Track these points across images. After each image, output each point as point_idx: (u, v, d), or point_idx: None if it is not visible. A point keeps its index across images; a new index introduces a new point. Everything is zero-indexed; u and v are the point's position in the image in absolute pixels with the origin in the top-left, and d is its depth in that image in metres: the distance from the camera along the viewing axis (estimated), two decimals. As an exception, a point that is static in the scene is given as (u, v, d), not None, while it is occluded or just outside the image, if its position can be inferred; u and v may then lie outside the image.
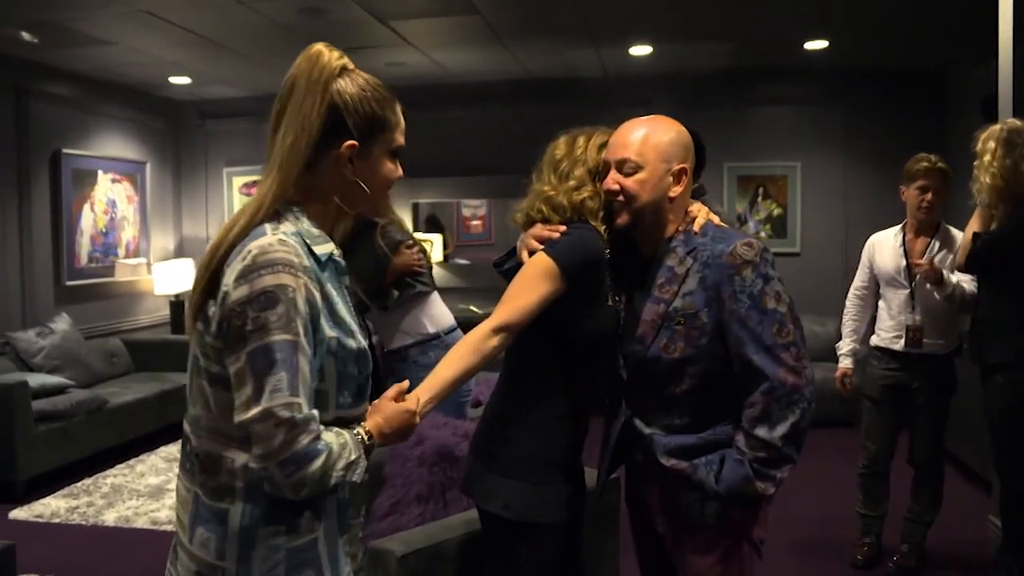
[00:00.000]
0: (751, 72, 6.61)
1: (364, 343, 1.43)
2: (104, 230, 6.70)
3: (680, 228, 1.88)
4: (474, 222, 9.13)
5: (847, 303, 3.80)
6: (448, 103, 7.19)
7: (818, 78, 6.60)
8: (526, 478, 1.91)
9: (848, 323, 3.77)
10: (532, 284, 1.84)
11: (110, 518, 4.45)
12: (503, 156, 7.30)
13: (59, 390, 5.22)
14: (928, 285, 3.44)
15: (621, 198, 1.85)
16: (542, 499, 1.92)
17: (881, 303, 3.68)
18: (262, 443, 1.27)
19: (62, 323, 5.83)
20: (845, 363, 3.72)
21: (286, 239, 1.32)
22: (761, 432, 1.75)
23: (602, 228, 1.92)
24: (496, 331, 1.79)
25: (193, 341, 1.38)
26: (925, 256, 3.50)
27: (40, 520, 4.47)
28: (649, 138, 1.84)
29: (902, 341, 3.53)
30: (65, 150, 6.23)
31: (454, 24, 5.23)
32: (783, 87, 6.76)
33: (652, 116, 1.90)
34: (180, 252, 7.78)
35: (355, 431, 1.42)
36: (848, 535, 3.89)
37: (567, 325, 1.89)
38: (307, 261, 1.33)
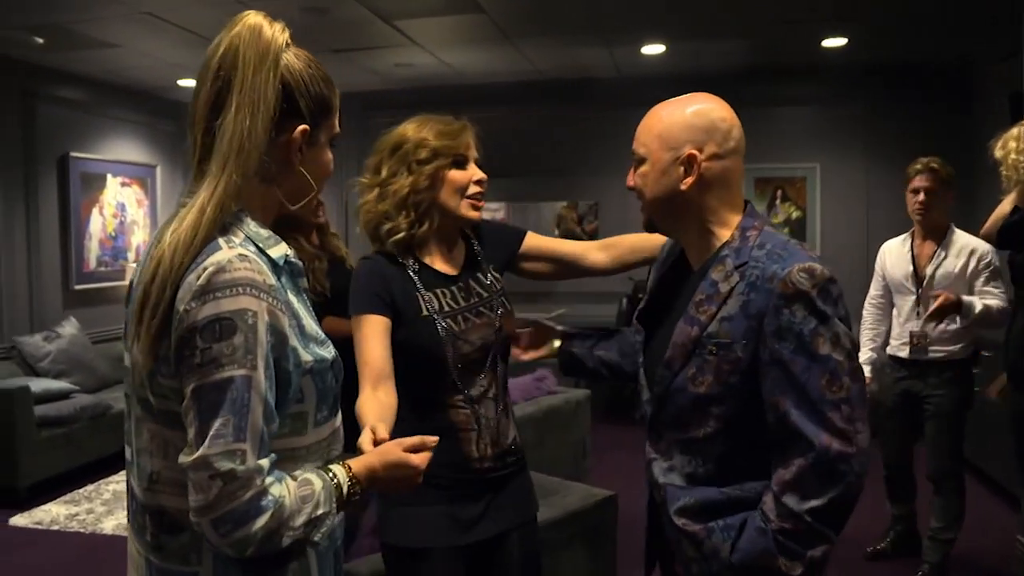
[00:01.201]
0: (767, 71, 6.44)
1: (334, 350, 1.29)
2: (113, 234, 6.67)
3: (735, 235, 1.52)
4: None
5: (864, 312, 3.75)
6: (460, 104, 7.01)
7: (837, 76, 6.42)
8: (386, 497, 1.82)
9: (866, 332, 3.71)
10: (357, 339, 1.80)
11: (108, 526, 4.39)
12: (518, 158, 7.23)
13: (63, 395, 5.18)
14: (946, 322, 3.32)
15: (638, 196, 1.63)
16: (408, 522, 1.80)
17: (894, 310, 3.62)
18: (195, 494, 1.10)
19: (70, 327, 5.80)
20: (864, 372, 3.57)
21: (246, 253, 1.14)
22: (789, 501, 1.39)
23: (394, 239, 1.85)
24: (372, 387, 1.71)
25: (136, 385, 1.19)
26: (932, 262, 3.42)
27: (39, 527, 4.42)
28: (654, 124, 1.55)
29: (908, 348, 3.47)
30: (73, 153, 6.20)
31: (460, 23, 5.13)
32: (801, 86, 6.59)
33: (684, 96, 1.56)
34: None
35: (332, 476, 1.22)
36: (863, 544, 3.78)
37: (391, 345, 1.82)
38: (271, 279, 1.16)
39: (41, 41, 5.25)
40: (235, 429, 1.09)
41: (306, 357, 1.20)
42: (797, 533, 1.39)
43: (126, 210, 6.81)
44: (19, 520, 4.51)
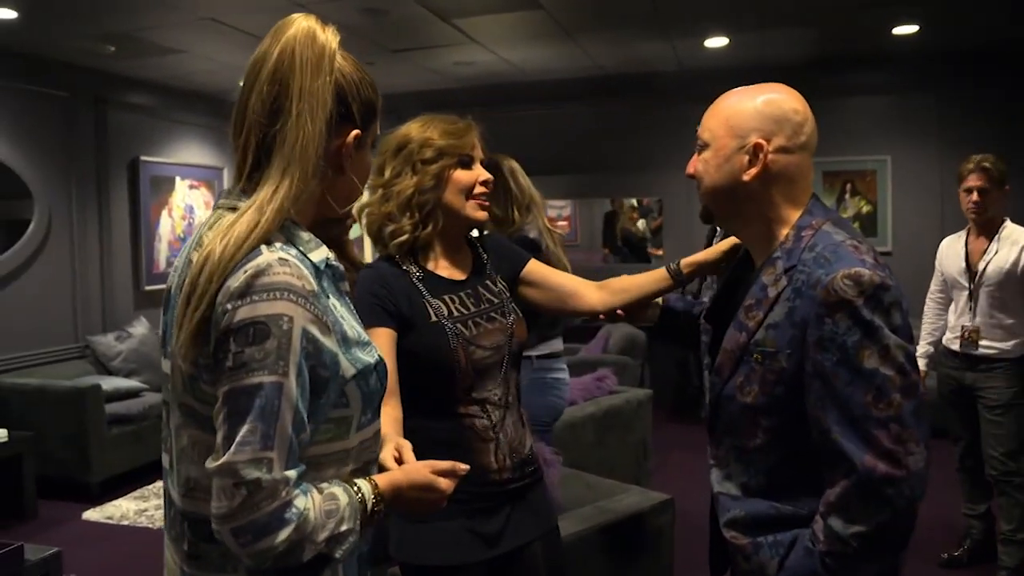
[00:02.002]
0: (835, 60, 6.25)
1: (377, 353, 1.26)
2: (182, 235, 6.82)
3: (789, 235, 1.42)
4: (560, 223, 8.98)
5: (925, 308, 3.81)
6: (523, 102, 7.09)
7: (909, 65, 6.18)
8: (409, 515, 1.73)
9: (925, 326, 3.80)
10: None
11: (176, 522, 4.47)
12: (582, 154, 7.17)
13: (133, 393, 5.32)
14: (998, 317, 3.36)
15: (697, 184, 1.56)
16: (428, 539, 1.74)
17: (951, 305, 3.65)
18: (218, 501, 1.07)
19: (140, 327, 5.96)
20: (919, 366, 3.57)
21: (287, 257, 1.11)
22: (835, 524, 1.30)
23: (397, 240, 1.80)
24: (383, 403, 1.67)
25: (178, 390, 1.17)
26: (984, 258, 3.41)
27: (110, 521, 4.54)
28: (723, 110, 1.47)
29: (959, 342, 3.49)
30: (143, 157, 6.37)
31: (518, 20, 5.09)
32: (871, 75, 6.37)
33: (758, 84, 1.48)
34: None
35: (357, 491, 1.19)
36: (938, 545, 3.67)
37: (400, 353, 1.75)
38: (312, 283, 1.13)
39: (113, 49, 5.39)
40: (263, 436, 1.06)
41: (347, 364, 1.17)
42: (844, 557, 1.31)
43: (194, 212, 6.96)
44: (91, 515, 4.64)
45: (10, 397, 4.93)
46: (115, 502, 4.81)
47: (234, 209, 1.16)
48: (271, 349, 1.07)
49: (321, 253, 1.21)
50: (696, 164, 1.51)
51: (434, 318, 1.75)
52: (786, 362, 1.36)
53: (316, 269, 1.18)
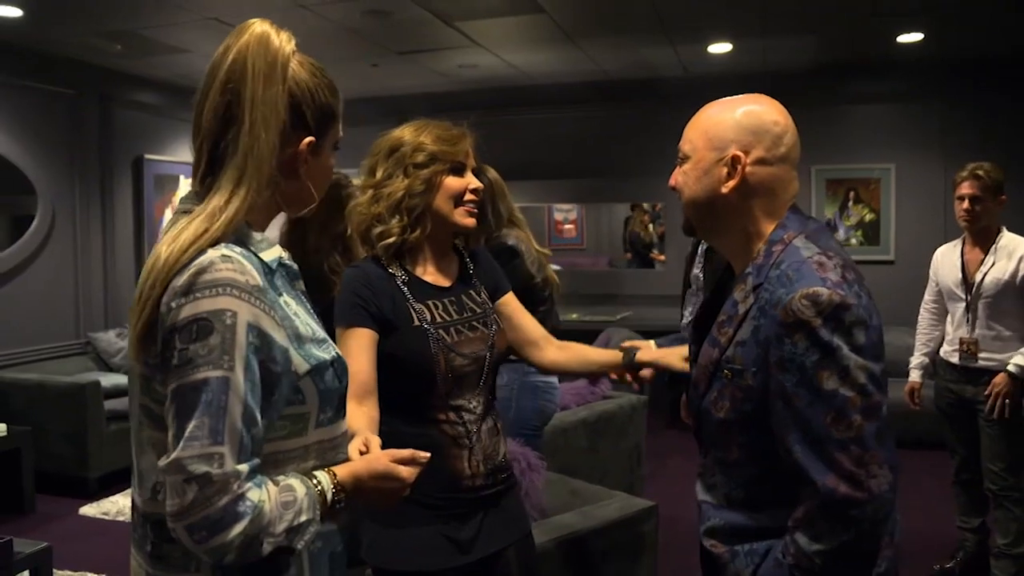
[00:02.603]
0: (840, 68, 6.24)
1: (334, 350, 1.27)
2: (186, 234, 6.85)
3: (760, 250, 1.42)
4: (566, 226, 8.98)
5: (919, 317, 3.77)
6: (529, 105, 7.10)
7: (913, 73, 6.17)
8: (381, 519, 1.75)
9: (919, 336, 3.77)
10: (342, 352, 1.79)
11: (171, 519, 4.50)
12: (588, 159, 7.17)
13: (132, 390, 5.34)
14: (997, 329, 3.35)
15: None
16: (401, 544, 1.75)
17: (948, 316, 3.60)
18: (171, 499, 1.07)
19: (141, 324, 5.99)
20: (914, 376, 3.73)
21: (230, 254, 1.13)
22: (800, 539, 1.31)
23: (384, 242, 1.80)
24: (358, 401, 1.67)
25: (137, 393, 1.18)
26: (980, 269, 3.36)
27: (106, 517, 4.56)
28: (702, 122, 1.47)
29: (957, 353, 3.46)
30: (147, 156, 6.41)
31: (521, 24, 5.10)
32: (875, 83, 6.35)
33: (739, 95, 1.48)
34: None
35: (316, 483, 1.19)
36: (932, 556, 3.65)
37: (381, 356, 1.77)
38: (257, 278, 1.13)
39: (119, 47, 5.43)
40: (211, 431, 1.06)
41: (299, 359, 1.18)
42: (811, 572, 1.31)
43: (198, 210, 6.98)
44: (88, 510, 4.67)
45: (10, 392, 4.96)
46: (112, 498, 4.83)
47: (188, 213, 1.17)
48: (215, 344, 1.07)
49: (273, 253, 1.22)
50: (677, 176, 1.51)
51: (417, 322, 1.76)
52: (752, 380, 1.36)
53: (268, 268, 1.19)
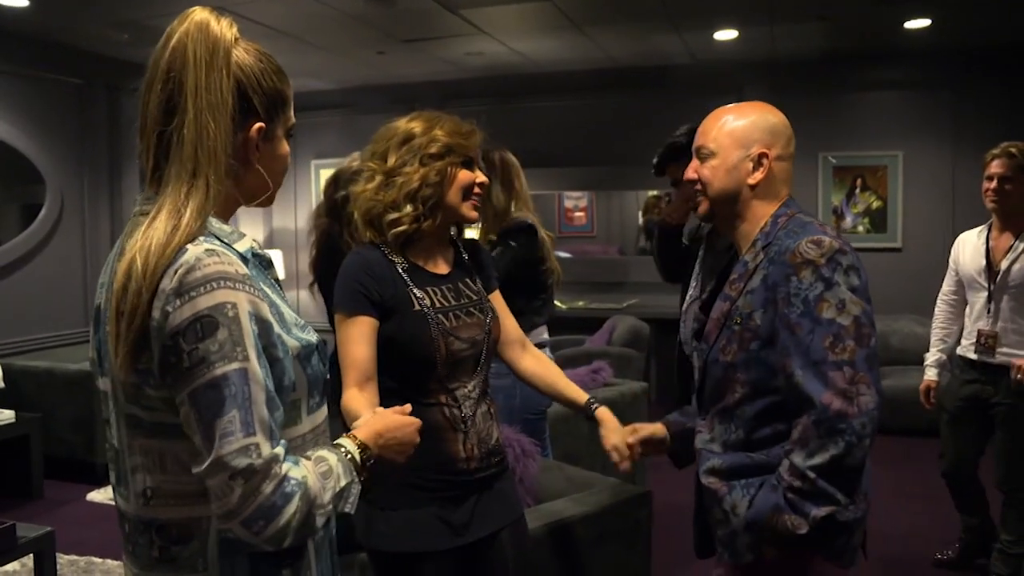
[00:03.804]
0: (847, 55, 6.20)
1: (316, 335, 1.28)
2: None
3: (767, 222, 1.67)
4: (576, 214, 8.97)
5: (936, 310, 3.52)
6: (537, 93, 7.07)
7: (921, 60, 6.12)
8: (377, 503, 1.78)
9: (936, 331, 3.50)
10: (342, 339, 1.81)
11: (177, 504, 4.54)
12: (598, 146, 7.15)
13: (140, 377, 5.39)
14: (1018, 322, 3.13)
15: (699, 187, 1.74)
16: (396, 526, 1.78)
17: (967, 308, 3.38)
18: (218, 500, 1.07)
19: (150, 313, 6.04)
20: (930, 375, 3.45)
21: (213, 248, 1.11)
22: (796, 459, 1.51)
23: (396, 230, 1.83)
24: (359, 388, 1.75)
25: (120, 404, 1.16)
26: (1008, 256, 3.17)
27: (112, 503, 4.59)
28: (726, 123, 1.70)
29: (975, 348, 3.26)
30: (155, 145, 6.43)
31: (526, 11, 5.09)
32: (883, 70, 6.31)
33: (743, 103, 1.76)
34: (270, 244, 7.95)
35: (343, 449, 1.23)
36: (933, 544, 3.64)
37: (381, 339, 1.82)
38: (244, 268, 1.13)
39: (126, 36, 5.45)
40: (242, 424, 1.06)
41: (292, 342, 1.19)
42: (803, 491, 1.50)
43: (206, 199, 7.02)
44: (95, 496, 4.73)
45: (19, 379, 5.01)
46: (120, 484, 4.88)
47: (147, 215, 1.14)
48: (224, 339, 1.07)
49: (245, 243, 1.21)
50: (702, 170, 1.72)
51: (417, 307, 1.80)
52: (760, 320, 1.59)
53: (243, 258, 1.17)
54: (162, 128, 1.15)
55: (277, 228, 8.03)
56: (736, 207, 1.70)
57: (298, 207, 7.94)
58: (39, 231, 5.58)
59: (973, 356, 3.28)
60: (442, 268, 1.91)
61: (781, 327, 1.55)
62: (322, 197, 3.40)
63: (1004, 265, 3.17)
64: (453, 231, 2.00)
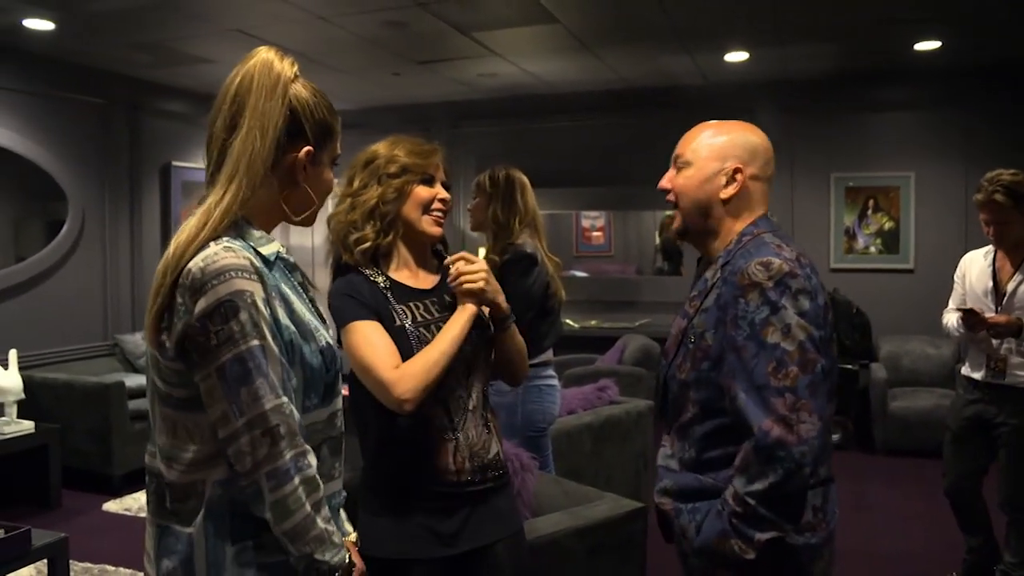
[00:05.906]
0: (858, 75, 6.22)
1: (328, 339, 1.41)
2: (212, 239, 7.01)
3: (732, 240, 1.67)
4: (594, 233, 9.03)
5: (944, 320, 3.44)
6: (551, 113, 7.14)
7: (932, 80, 6.14)
8: (368, 508, 1.84)
9: (948, 316, 3.41)
10: (355, 344, 1.82)
11: (189, 516, 4.61)
12: (614, 166, 7.19)
13: (156, 391, 5.48)
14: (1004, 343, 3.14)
15: (671, 197, 1.75)
16: (384, 532, 1.81)
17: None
18: (243, 458, 1.25)
19: (168, 327, 6.14)
20: (957, 314, 3.30)
21: (230, 246, 1.28)
22: (737, 483, 1.51)
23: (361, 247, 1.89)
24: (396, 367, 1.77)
25: (151, 373, 1.34)
26: (1014, 278, 3.20)
27: (128, 513, 4.70)
28: (706, 136, 1.71)
29: (984, 370, 3.24)
30: (175, 163, 6.58)
31: (535, 34, 5.17)
32: (894, 91, 6.32)
33: (729, 120, 1.75)
34: (287, 260, 8.05)
35: (343, 553, 1.38)
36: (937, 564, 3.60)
37: None
38: (256, 261, 1.30)
39: (148, 58, 5.59)
40: (271, 387, 1.25)
41: (297, 340, 1.33)
42: (745, 516, 1.49)
43: (225, 216, 7.15)
44: (111, 506, 4.81)
45: (39, 391, 5.12)
46: (134, 495, 4.97)
47: (194, 214, 1.34)
48: (246, 320, 1.24)
49: (272, 247, 1.37)
50: (676, 180, 1.72)
51: (399, 323, 1.83)
52: (711, 340, 1.58)
53: (267, 261, 1.34)
54: (223, 141, 1.35)
55: (294, 245, 8.14)
56: (708, 222, 1.69)
57: (315, 225, 8.02)
58: (61, 247, 5.72)
59: (977, 377, 3.28)
60: (425, 283, 1.94)
61: (728, 349, 1.54)
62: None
63: (1010, 288, 3.20)
64: (439, 247, 2.04)
